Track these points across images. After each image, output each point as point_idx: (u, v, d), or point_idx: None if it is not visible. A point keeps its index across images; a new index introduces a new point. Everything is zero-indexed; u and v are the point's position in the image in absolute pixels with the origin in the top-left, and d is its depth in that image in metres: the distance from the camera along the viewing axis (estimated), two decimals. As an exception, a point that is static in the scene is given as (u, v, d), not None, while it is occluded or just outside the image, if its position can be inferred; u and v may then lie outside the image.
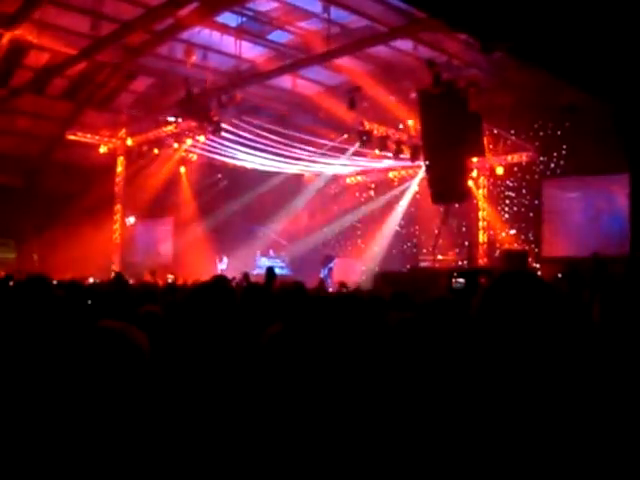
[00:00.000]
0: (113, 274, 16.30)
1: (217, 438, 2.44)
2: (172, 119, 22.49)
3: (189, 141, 23.48)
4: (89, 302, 5.32)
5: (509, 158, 22.59)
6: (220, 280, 3.75)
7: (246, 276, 16.21)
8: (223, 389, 2.63)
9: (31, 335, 2.98)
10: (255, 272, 23.01)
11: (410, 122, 21.65)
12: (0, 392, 2.36)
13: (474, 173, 22.41)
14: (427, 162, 18.49)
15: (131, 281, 14.34)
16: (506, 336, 2.04)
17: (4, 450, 2.08)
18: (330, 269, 24.52)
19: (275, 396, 2.52)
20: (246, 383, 2.61)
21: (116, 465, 2.01)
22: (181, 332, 3.13)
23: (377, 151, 22.49)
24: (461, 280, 14.87)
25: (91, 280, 17.00)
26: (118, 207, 26.65)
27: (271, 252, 28.57)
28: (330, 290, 17.63)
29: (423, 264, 24.72)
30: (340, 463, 2.33)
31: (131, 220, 27.07)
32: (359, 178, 28.03)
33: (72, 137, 24.27)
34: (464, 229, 24.54)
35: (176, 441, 2.30)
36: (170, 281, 18.56)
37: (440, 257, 24.37)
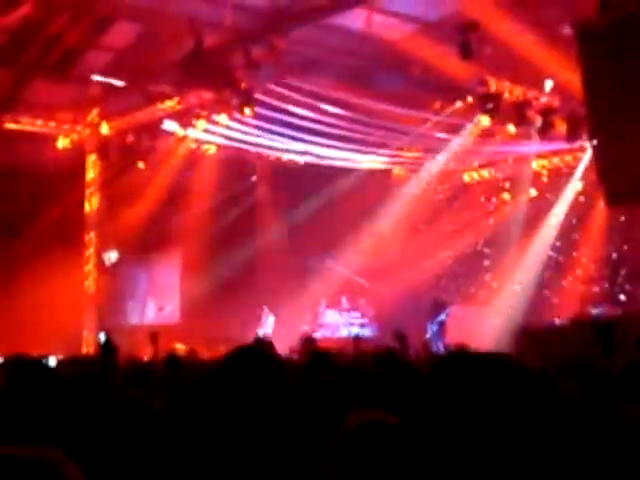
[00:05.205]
0: (101, 340, 16.48)
1: None
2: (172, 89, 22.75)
3: (201, 123, 23.58)
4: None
5: None
6: (258, 348, 3.73)
7: (308, 342, 16.34)
8: None
9: None
10: (319, 334, 23.06)
11: (564, 77, 21.49)
12: None
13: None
14: (596, 142, 18.35)
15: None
16: None
17: None
18: (441, 324, 24.40)
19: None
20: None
21: None
22: (189, 439, 3.10)
23: (512, 127, 22.42)
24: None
25: (52, 361, 17.22)
26: (91, 236, 26.89)
27: (344, 301, 28.47)
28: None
29: (594, 311, 24.41)
30: None
31: (113, 256, 27.23)
32: (484, 173, 27.99)
33: (12, 125, 24.65)
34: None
35: None
36: (180, 353, 18.74)
37: (623, 298, 24.12)
